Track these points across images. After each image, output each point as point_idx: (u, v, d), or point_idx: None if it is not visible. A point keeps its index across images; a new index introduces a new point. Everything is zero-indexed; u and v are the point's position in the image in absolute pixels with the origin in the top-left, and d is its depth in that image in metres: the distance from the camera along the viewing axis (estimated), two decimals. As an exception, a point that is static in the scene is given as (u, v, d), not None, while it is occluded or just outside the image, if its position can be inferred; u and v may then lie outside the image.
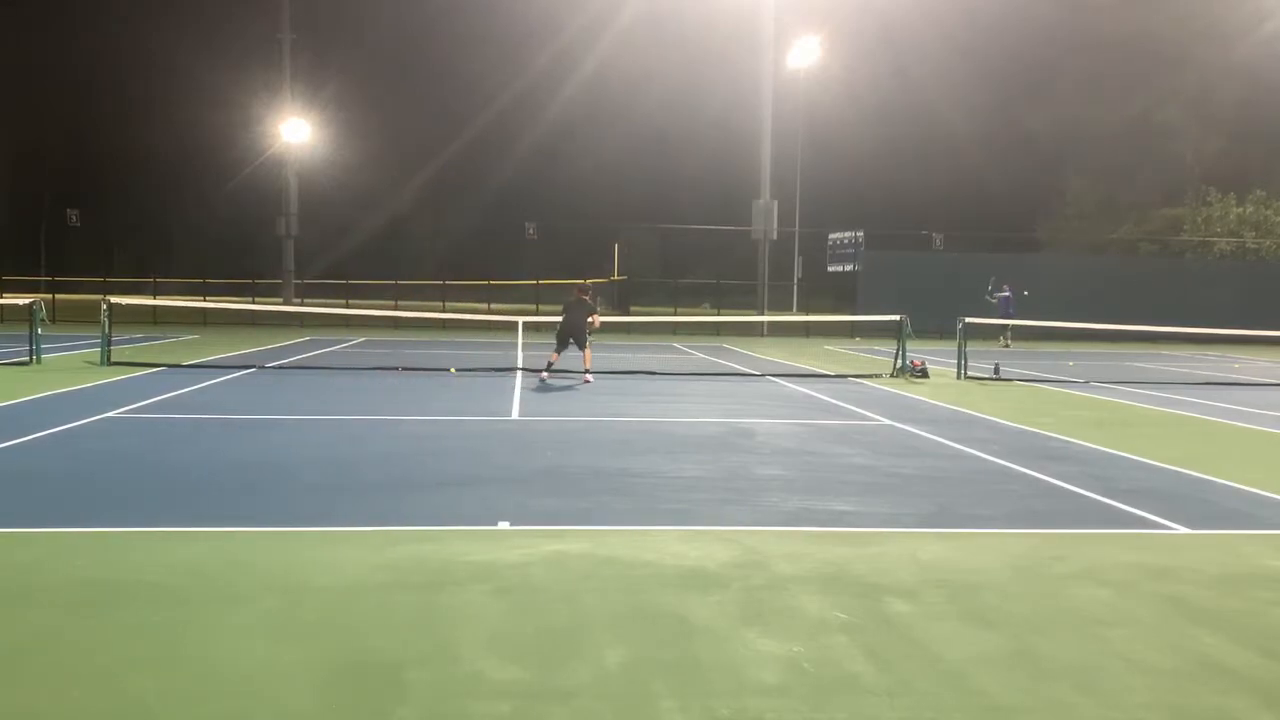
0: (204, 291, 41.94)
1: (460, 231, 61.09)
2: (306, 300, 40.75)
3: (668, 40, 63.56)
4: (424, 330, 31.22)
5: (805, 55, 39.99)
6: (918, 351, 19.51)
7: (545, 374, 15.11)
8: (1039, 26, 54.98)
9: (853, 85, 59.20)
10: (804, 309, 45.50)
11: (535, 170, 73.59)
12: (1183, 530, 6.57)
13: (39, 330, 16.75)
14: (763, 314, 35.48)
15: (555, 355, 15.42)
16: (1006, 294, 28.46)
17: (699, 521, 6.50)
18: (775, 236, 36.77)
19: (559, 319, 15.55)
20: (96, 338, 17.76)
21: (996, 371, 18.05)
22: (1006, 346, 28.02)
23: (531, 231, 36.49)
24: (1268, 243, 45.07)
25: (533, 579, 5.18)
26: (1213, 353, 28.06)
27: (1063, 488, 7.84)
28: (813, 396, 14.30)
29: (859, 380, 16.97)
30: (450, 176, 73.31)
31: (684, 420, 11.38)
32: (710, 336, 32.52)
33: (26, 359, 16.28)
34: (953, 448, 9.73)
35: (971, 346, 18.95)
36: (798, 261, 49.30)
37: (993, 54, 57.56)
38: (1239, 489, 7.94)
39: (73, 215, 36.27)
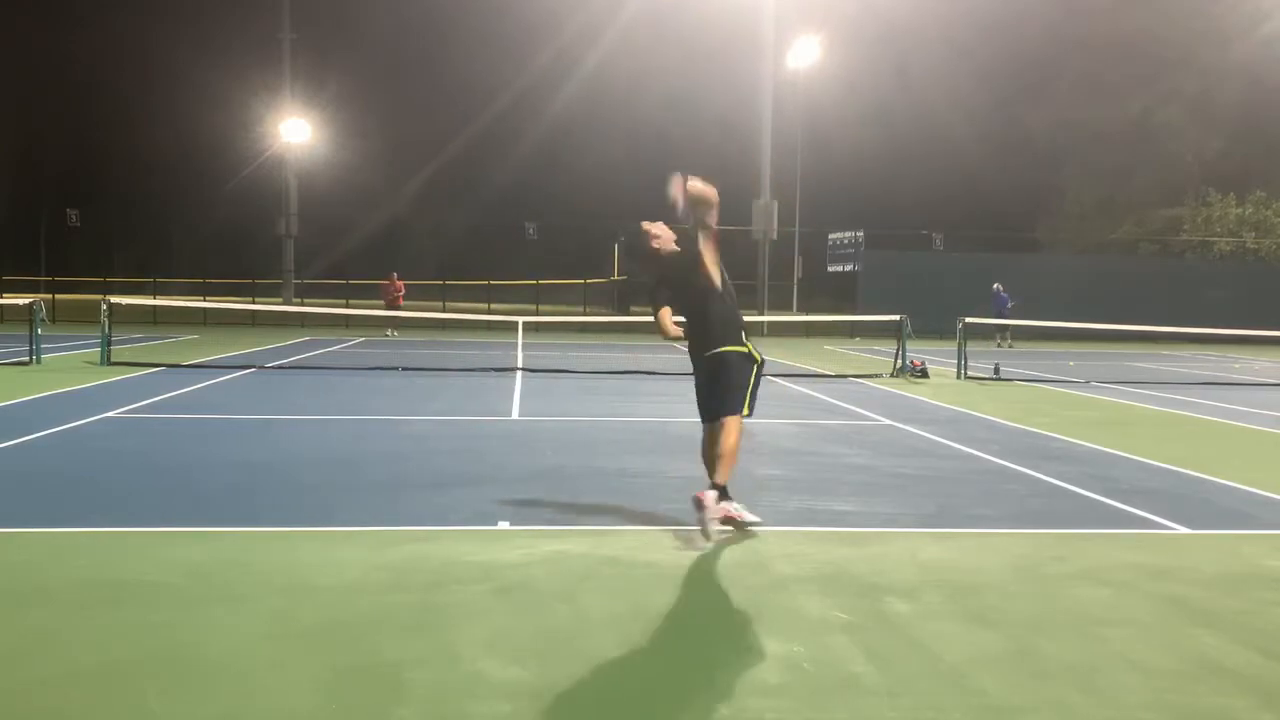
0: (204, 291, 41.93)
1: (460, 231, 61.07)
2: (306, 300, 40.74)
3: (667, 40, 63.48)
4: (424, 330, 31.22)
5: (805, 55, 40.01)
6: (918, 351, 19.51)
7: None
8: (1039, 26, 54.97)
9: (853, 85, 59.21)
10: (804, 309, 45.50)
11: (535, 170, 73.65)
12: (1183, 530, 6.56)
13: (39, 330, 16.76)
14: (763, 314, 35.47)
15: None
16: (1000, 294, 28.47)
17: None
18: (775, 236, 36.80)
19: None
20: (96, 338, 17.76)
21: (996, 371, 18.05)
22: (1004, 346, 27.99)
23: (531, 231, 36.51)
24: (1268, 243, 45.07)
25: (533, 579, 5.18)
26: (1213, 353, 28.06)
27: (1063, 488, 7.83)
28: (813, 396, 14.30)
29: (859, 380, 16.97)
30: (450, 176, 73.38)
31: (684, 420, 11.34)
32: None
33: (26, 359, 16.29)
34: (953, 448, 9.73)
35: (971, 346, 18.95)
36: (798, 261, 49.29)
37: (993, 54, 57.54)
38: (1239, 489, 7.94)
39: (73, 215, 36.27)
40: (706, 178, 6.02)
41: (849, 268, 41.87)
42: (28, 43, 68.21)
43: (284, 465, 8.22)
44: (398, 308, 28.82)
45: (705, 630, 4.49)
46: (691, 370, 6.34)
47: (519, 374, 16.21)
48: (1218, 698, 3.87)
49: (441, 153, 70.94)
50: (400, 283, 29.56)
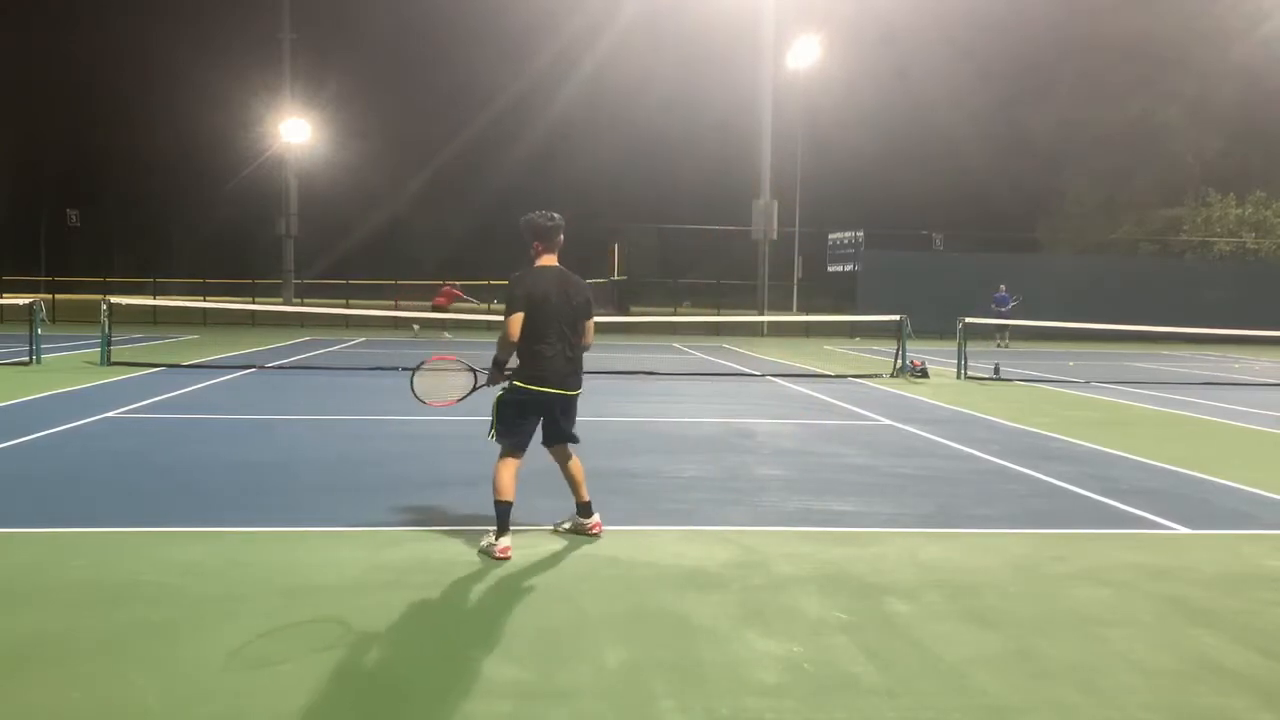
0: (204, 291, 41.90)
1: (460, 231, 61.12)
2: (306, 300, 40.73)
3: (667, 40, 63.62)
4: (424, 330, 31.20)
5: (805, 55, 40.00)
6: (918, 351, 19.51)
7: None
8: (1039, 27, 55.04)
9: (853, 85, 59.28)
10: (804, 309, 45.50)
11: (535, 170, 73.74)
12: (1183, 530, 6.57)
13: (39, 330, 16.75)
14: (763, 314, 35.48)
15: None
16: (1003, 294, 28.50)
17: (699, 521, 6.50)
18: (775, 236, 36.77)
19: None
20: (96, 338, 17.76)
21: (996, 371, 18.05)
22: (1003, 346, 28.01)
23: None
24: (1267, 243, 45.07)
25: (533, 579, 5.18)
26: (1213, 353, 28.06)
27: (1063, 488, 7.83)
28: (813, 396, 14.30)
29: (859, 380, 16.96)
30: (450, 176, 73.48)
31: (684, 420, 11.38)
32: (710, 336, 32.52)
33: (26, 359, 16.28)
34: (953, 448, 9.73)
35: (971, 346, 18.95)
36: (798, 261, 49.31)
37: (993, 55, 57.61)
38: (1239, 489, 7.94)
39: (73, 215, 36.27)
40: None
41: (849, 268, 41.91)
42: (28, 43, 68.28)
43: (284, 465, 8.22)
44: (441, 310, 28.26)
45: (705, 630, 4.49)
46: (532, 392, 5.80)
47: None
48: (1218, 698, 3.87)
49: (442, 153, 71.09)
50: (452, 289, 29.02)
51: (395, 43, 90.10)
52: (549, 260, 5.80)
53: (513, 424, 5.78)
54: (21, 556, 5.45)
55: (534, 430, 5.86)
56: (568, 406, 5.87)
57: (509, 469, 5.74)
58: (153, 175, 70.15)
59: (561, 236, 5.86)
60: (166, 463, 8.15)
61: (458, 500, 6.95)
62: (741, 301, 42.06)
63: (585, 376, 6.07)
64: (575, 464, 6.06)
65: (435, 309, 28.28)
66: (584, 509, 6.08)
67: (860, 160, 65.54)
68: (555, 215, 5.85)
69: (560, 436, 5.97)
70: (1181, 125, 51.09)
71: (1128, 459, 9.24)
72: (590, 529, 6.06)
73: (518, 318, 5.64)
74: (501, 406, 5.84)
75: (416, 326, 29.32)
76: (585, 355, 6.01)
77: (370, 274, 46.55)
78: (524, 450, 5.82)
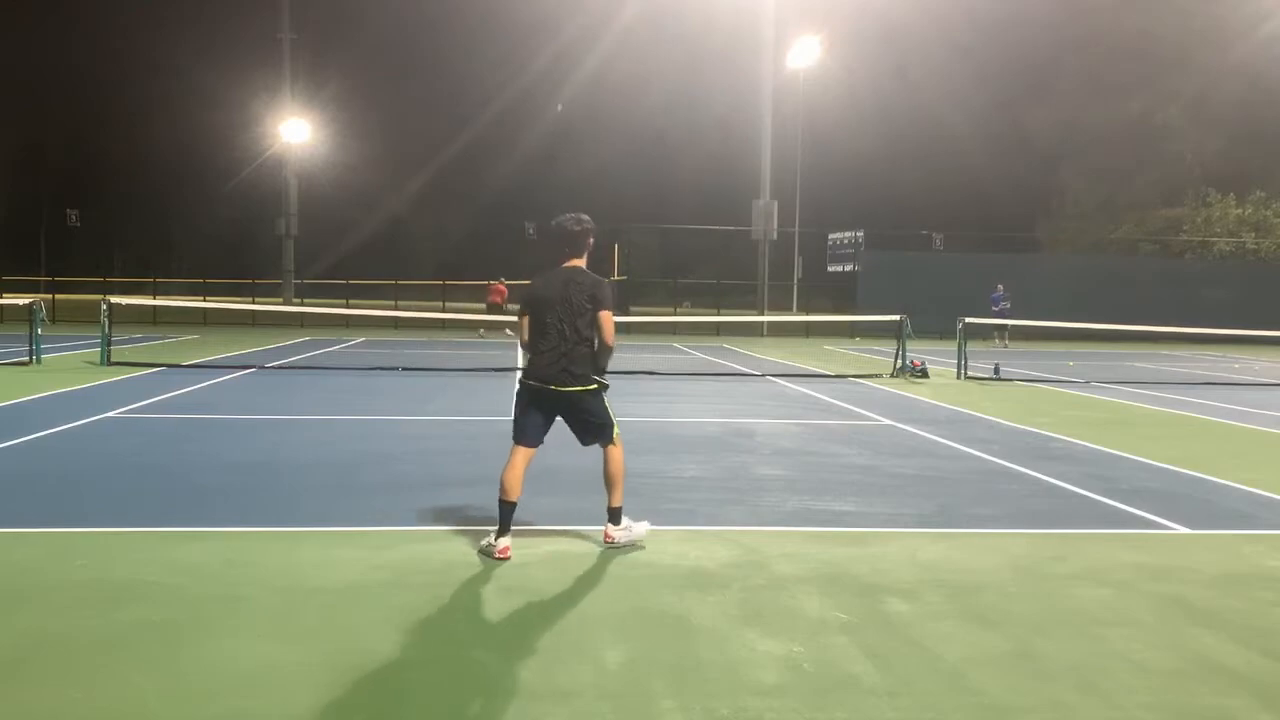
0: (204, 291, 41.93)
1: (460, 231, 61.19)
2: (306, 300, 40.72)
3: (668, 40, 63.64)
4: (424, 330, 31.22)
5: (805, 56, 40.00)
6: (918, 351, 19.51)
7: None
8: (1039, 27, 55.02)
9: (853, 85, 59.30)
10: (804, 309, 45.51)
11: (535, 170, 73.76)
12: (1183, 530, 6.57)
13: (39, 330, 16.76)
14: (763, 314, 35.48)
15: None
16: (999, 293, 28.49)
17: (699, 521, 6.50)
18: (775, 236, 36.77)
19: None
20: (96, 338, 17.76)
21: (996, 371, 18.05)
22: (1000, 346, 27.99)
23: (531, 231, 36.52)
24: (1267, 243, 45.07)
25: (533, 579, 5.18)
26: (1213, 353, 28.06)
27: (1063, 488, 7.83)
28: (813, 396, 14.30)
29: (859, 380, 16.96)
30: (450, 176, 73.52)
31: (684, 420, 11.38)
32: (710, 336, 32.53)
33: (26, 359, 16.29)
34: (953, 448, 9.73)
35: (971, 347, 18.94)
36: (798, 261, 49.31)
37: (993, 54, 57.62)
38: (1239, 489, 7.94)
39: (73, 215, 36.26)
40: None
41: (849, 268, 41.91)
42: (28, 42, 68.33)
43: (284, 465, 8.21)
44: (498, 309, 28.19)
45: (705, 630, 4.49)
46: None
47: (519, 374, 16.16)
48: (1218, 698, 3.87)
49: (441, 153, 71.12)
50: (502, 285, 29.28)
51: (395, 43, 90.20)
52: (574, 263, 5.90)
53: (518, 416, 5.94)
54: (21, 556, 5.45)
55: (540, 426, 5.89)
56: (570, 405, 5.84)
57: (515, 465, 5.78)
58: (153, 175, 70.27)
59: (591, 240, 5.94)
60: (166, 463, 8.15)
61: (458, 500, 6.95)
62: (741, 301, 42.10)
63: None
64: (609, 467, 5.95)
65: (491, 308, 28.26)
66: (610, 514, 5.94)
67: (860, 160, 65.58)
68: (584, 218, 5.92)
69: (582, 439, 6.02)
70: (1181, 125, 51.03)
71: (1128, 459, 9.24)
72: (604, 536, 5.91)
73: (524, 320, 5.92)
74: (516, 399, 6.08)
75: (481, 330, 29.26)
76: None
77: (370, 274, 46.58)
78: (530, 445, 5.84)
